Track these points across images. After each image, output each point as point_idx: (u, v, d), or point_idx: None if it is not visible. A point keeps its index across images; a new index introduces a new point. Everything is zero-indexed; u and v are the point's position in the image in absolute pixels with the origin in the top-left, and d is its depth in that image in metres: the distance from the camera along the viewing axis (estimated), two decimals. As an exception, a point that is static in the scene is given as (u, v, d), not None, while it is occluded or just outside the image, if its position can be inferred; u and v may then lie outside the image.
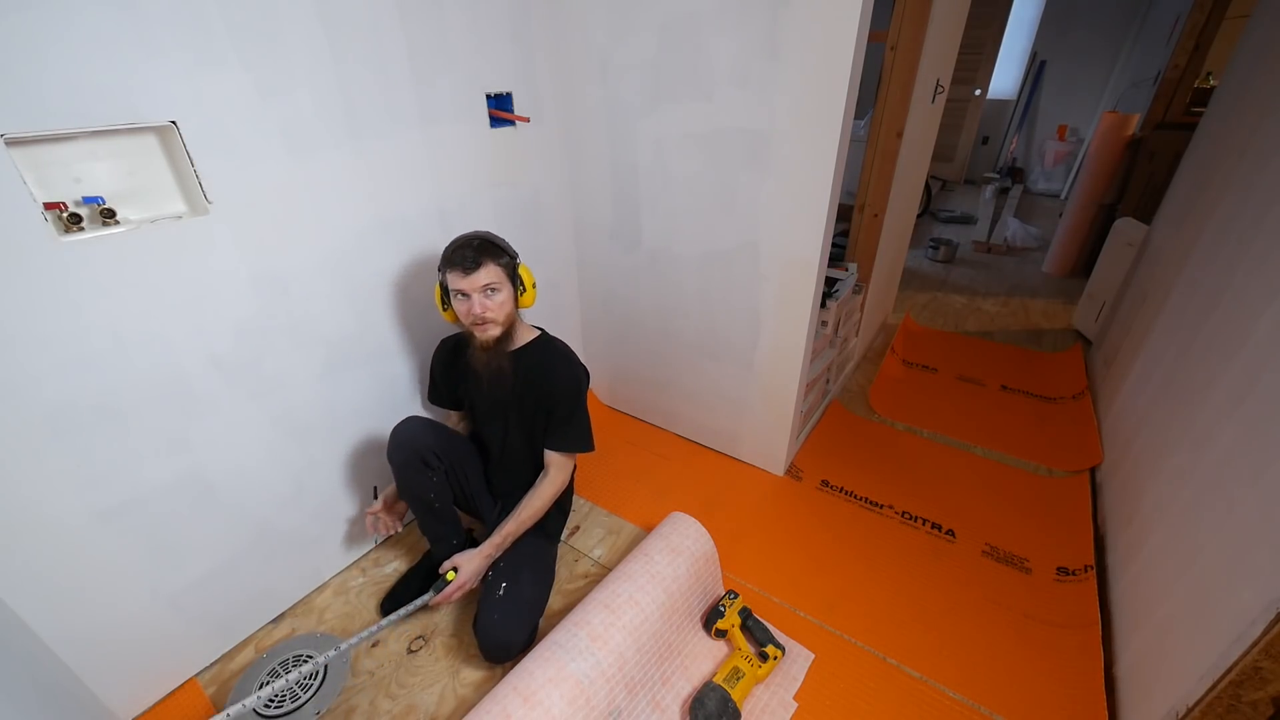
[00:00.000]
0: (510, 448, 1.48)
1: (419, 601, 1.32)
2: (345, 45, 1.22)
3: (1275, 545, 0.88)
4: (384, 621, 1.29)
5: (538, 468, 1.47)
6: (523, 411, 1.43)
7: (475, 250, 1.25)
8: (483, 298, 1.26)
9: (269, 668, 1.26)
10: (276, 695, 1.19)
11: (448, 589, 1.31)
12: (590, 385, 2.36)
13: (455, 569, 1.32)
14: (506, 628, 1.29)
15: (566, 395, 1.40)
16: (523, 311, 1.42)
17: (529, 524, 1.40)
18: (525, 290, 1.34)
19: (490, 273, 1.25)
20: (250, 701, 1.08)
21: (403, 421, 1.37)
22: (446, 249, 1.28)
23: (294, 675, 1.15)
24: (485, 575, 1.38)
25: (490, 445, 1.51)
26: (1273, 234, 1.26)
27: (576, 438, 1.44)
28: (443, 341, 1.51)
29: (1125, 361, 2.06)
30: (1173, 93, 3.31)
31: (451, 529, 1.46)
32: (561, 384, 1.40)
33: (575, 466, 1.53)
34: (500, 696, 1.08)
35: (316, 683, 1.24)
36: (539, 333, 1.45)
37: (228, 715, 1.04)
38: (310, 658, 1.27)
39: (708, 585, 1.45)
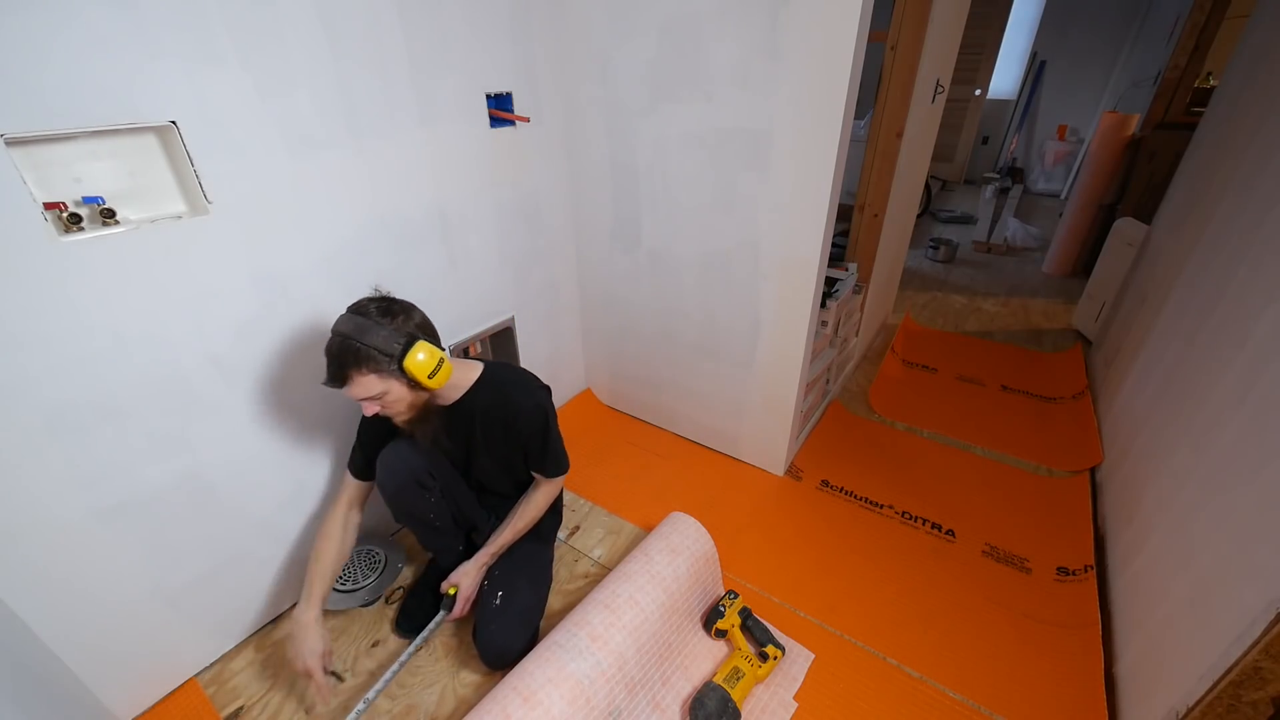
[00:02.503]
0: (490, 478, 1.43)
1: (436, 620, 1.37)
2: (345, 45, 1.22)
3: (1275, 545, 0.88)
4: (410, 650, 1.32)
5: (522, 483, 1.44)
6: (492, 453, 1.35)
7: (335, 363, 1.08)
8: (368, 404, 1.13)
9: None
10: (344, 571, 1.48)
11: (457, 606, 1.35)
12: (590, 385, 2.38)
13: (455, 585, 1.35)
14: (505, 637, 1.30)
15: (535, 431, 1.30)
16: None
17: (523, 533, 1.40)
18: (422, 382, 1.11)
19: (361, 387, 1.08)
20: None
21: (389, 447, 1.29)
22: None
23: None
24: (481, 584, 1.39)
25: (469, 478, 1.45)
26: (1273, 234, 1.26)
27: (555, 464, 1.37)
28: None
29: (1125, 361, 2.06)
30: (1173, 93, 3.31)
31: (454, 539, 1.47)
32: (525, 423, 1.29)
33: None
34: (500, 697, 1.08)
35: (375, 574, 1.50)
36: (481, 368, 1.30)
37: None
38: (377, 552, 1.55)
39: (708, 585, 1.45)
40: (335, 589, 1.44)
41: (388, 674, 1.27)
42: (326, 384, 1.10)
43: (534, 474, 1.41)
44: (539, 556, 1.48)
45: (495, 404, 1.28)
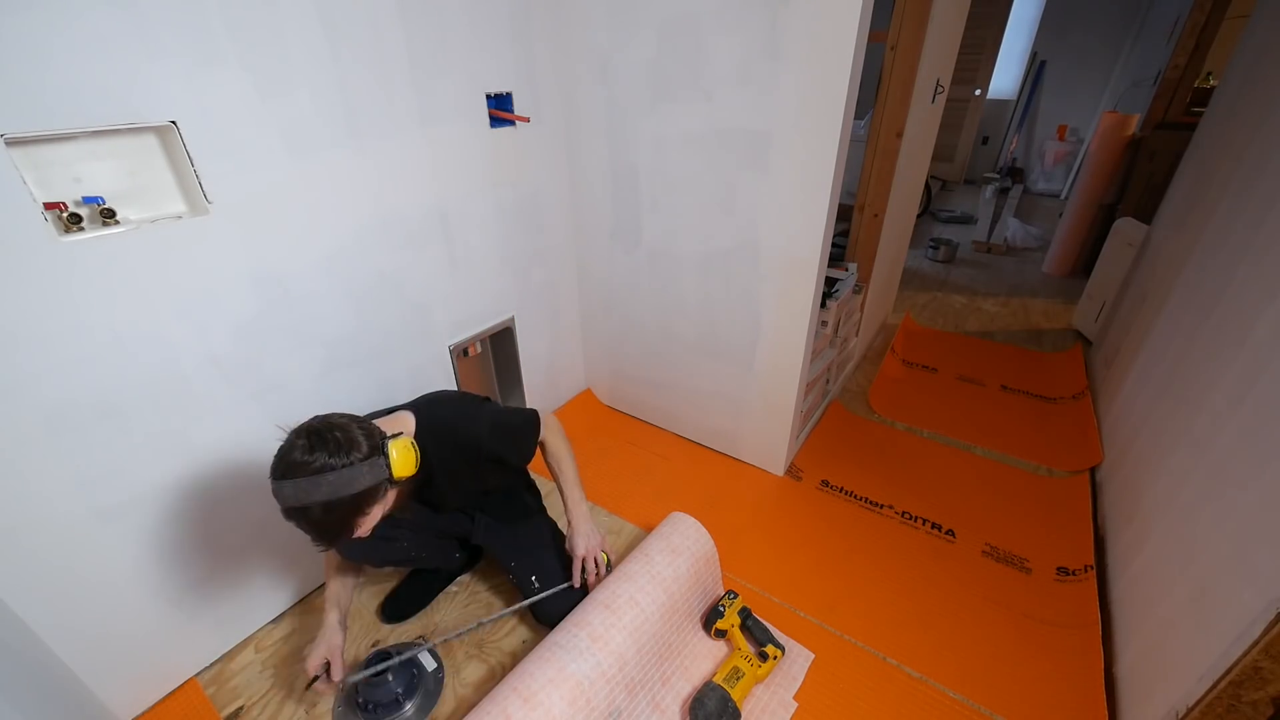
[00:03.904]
0: (465, 504, 1.40)
1: (554, 589, 1.36)
2: (345, 45, 1.22)
3: (1275, 545, 0.88)
4: (494, 615, 1.40)
5: (495, 496, 1.43)
6: (460, 492, 1.30)
7: (333, 527, 0.96)
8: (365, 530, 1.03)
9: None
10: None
11: (589, 573, 1.34)
12: (590, 385, 2.38)
13: (570, 550, 1.35)
14: (559, 605, 1.34)
15: (502, 448, 1.24)
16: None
17: (576, 478, 1.38)
18: (408, 478, 1.05)
19: (367, 525, 1.00)
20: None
21: None
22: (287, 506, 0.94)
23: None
24: (509, 576, 1.41)
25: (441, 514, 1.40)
26: (1273, 234, 1.26)
27: (522, 445, 1.29)
28: None
29: (1125, 361, 2.06)
30: (1173, 93, 3.31)
31: (447, 553, 1.48)
32: (489, 449, 1.22)
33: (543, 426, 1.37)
34: (500, 697, 1.08)
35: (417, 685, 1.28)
36: (413, 417, 1.18)
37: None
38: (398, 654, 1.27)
39: (707, 585, 1.45)
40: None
41: (450, 634, 1.36)
42: (323, 546, 0.99)
43: (517, 458, 1.31)
44: (542, 527, 1.50)
45: (446, 447, 1.18)
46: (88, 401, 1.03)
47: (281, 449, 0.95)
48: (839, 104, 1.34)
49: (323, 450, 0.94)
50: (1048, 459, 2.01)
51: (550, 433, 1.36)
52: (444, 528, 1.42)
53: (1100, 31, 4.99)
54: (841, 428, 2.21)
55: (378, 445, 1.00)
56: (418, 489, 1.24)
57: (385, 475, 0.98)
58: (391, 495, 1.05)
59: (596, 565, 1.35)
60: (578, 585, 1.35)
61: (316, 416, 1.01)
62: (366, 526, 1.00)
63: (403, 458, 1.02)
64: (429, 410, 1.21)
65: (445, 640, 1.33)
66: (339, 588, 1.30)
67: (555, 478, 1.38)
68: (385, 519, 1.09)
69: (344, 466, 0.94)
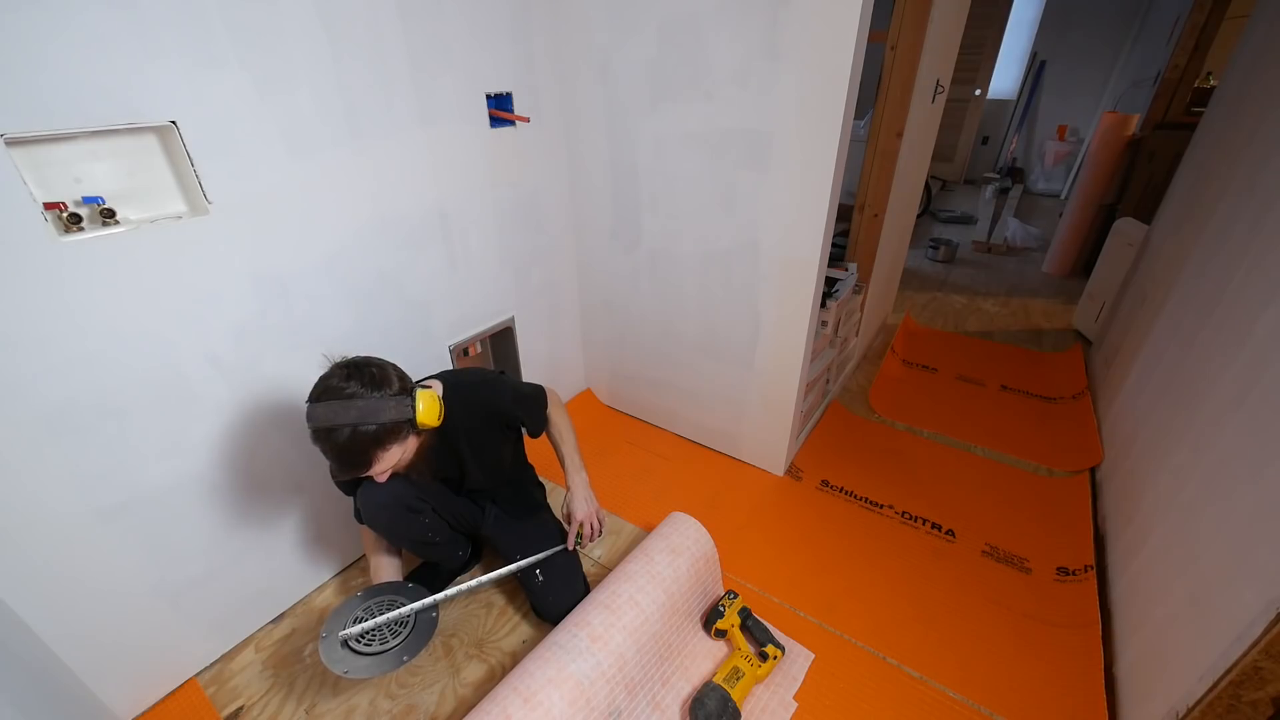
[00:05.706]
0: (481, 483, 1.44)
1: (550, 551, 1.44)
2: (345, 45, 1.22)
3: (1275, 545, 0.88)
4: (490, 576, 1.39)
5: (509, 478, 1.51)
6: (483, 461, 1.37)
7: (354, 453, 1.02)
8: (383, 474, 1.11)
9: (364, 605, 1.26)
10: (369, 632, 1.21)
11: (585, 532, 1.42)
12: (590, 385, 2.38)
13: (568, 514, 1.44)
14: (562, 601, 1.37)
15: (528, 413, 1.39)
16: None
17: (576, 448, 1.47)
18: (432, 427, 1.12)
19: (384, 462, 1.06)
20: (346, 632, 1.18)
21: (364, 489, 1.25)
22: (321, 439, 1.01)
23: (387, 616, 1.22)
24: (514, 572, 1.42)
25: (460, 491, 1.46)
26: (1273, 234, 1.26)
27: (537, 413, 1.42)
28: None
29: (1125, 361, 2.06)
30: (1173, 93, 3.31)
31: (455, 547, 1.49)
32: (514, 415, 1.37)
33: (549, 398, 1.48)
34: (500, 697, 1.08)
35: (406, 630, 1.24)
36: (439, 383, 1.27)
37: (323, 637, 1.16)
38: (401, 604, 1.27)
39: (708, 585, 1.45)
40: (360, 652, 1.20)
41: (450, 591, 1.34)
42: (342, 475, 1.08)
43: (532, 424, 1.43)
44: (546, 525, 1.53)
45: (474, 412, 1.30)
46: (88, 401, 1.03)
47: (322, 375, 1.05)
48: (839, 104, 1.34)
49: (357, 380, 1.03)
50: (1048, 459, 2.01)
51: (554, 408, 1.46)
52: (458, 515, 1.44)
53: (1100, 31, 4.99)
54: (841, 428, 2.21)
55: (408, 388, 1.09)
56: (438, 464, 1.28)
57: (409, 415, 1.06)
58: (412, 443, 1.12)
59: (592, 529, 1.43)
60: (572, 548, 1.43)
61: (359, 355, 1.10)
62: (384, 464, 1.07)
63: (428, 407, 1.09)
64: (455, 377, 1.32)
65: (443, 598, 1.31)
66: (380, 564, 1.38)
67: (556, 447, 1.47)
68: (403, 474, 1.19)
69: (374, 398, 1.02)
